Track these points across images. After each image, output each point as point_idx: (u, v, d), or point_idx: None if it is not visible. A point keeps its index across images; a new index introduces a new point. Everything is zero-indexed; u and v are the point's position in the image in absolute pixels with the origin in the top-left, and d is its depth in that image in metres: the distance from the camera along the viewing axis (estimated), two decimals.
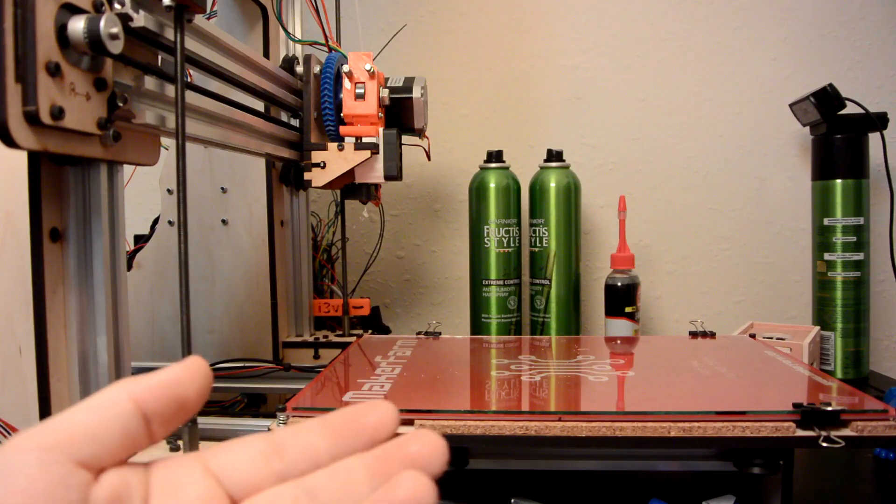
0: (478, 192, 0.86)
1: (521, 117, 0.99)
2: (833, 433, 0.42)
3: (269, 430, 0.46)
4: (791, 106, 0.89)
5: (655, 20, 0.97)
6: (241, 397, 0.67)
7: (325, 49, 0.70)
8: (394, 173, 0.69)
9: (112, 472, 0.21)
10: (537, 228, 0.86)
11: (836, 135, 0.84)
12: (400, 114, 0.73)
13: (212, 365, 0.23)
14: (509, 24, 0.98)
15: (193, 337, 0.43)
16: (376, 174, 0.69)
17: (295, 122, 0.70)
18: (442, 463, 0.21)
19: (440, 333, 0.72)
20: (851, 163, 0.83)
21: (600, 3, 0.97)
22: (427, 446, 0.21)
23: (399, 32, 0.90)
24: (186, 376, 0.22)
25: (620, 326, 0.83)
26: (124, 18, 0.38)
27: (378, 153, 0.68)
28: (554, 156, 0.87)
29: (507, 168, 0.86)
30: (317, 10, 0.72)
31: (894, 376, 0.91)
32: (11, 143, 0.32)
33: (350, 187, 0.72)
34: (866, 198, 0.83)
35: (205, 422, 0.53)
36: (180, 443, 0.45)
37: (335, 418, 0.23)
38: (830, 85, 0.83)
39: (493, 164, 0.86)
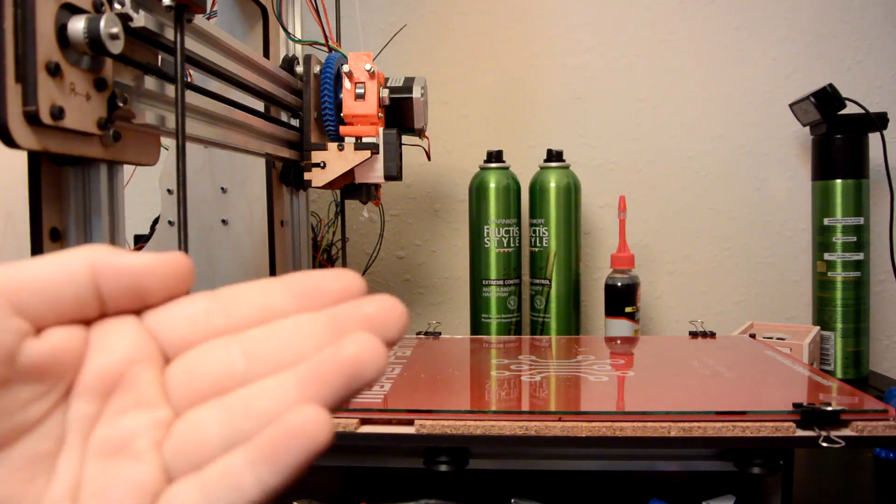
0: (478, 192, 0.86)
1: (521, 117, 0.99)
2: (833, 433, 0.42)
3: None
4: (791, 106, 0.89)
5: (656, 20, 0.97)
6: None
7: (325, 49, 0.70)
8: (394, 173, 0.69)
9: (56, 330, 0.20)
10: (537, 228, 0.86)
11: (836, 135, 0.84)
12: (400, 114, 0.73)
13: None
14: (509, 24, 0.98)
15: None
16: (376, 174, 0.69)
17: (295, 122, 0.70)
18: (400, 329, 0.20)
19: (440, 333, 0.72)
20: (851, 163, 0.83)
21: (600, 2, 0.97)
22: (385, 310, 0.20)
23: (399, 32, 0.90)
24: (157, 270, 0.21)
25: (620, 326, 0.83)
26: (124, 18, 0.38)
27: (378, 153, 0.68)
28: (554, 156, 0.87)
29: (507, 168, 0.86)
30: (317, 10, 0.72)
31: (894, 376, 0.91)
32: (11, 143, 0.32)
33: (350, 187, 0.72)
34: (866, 198, 0.83)
35: None
36: None
37: (296, 280, 0.21)
38: (830, 85, 0.83)
39: (493, 164, 0.86)
